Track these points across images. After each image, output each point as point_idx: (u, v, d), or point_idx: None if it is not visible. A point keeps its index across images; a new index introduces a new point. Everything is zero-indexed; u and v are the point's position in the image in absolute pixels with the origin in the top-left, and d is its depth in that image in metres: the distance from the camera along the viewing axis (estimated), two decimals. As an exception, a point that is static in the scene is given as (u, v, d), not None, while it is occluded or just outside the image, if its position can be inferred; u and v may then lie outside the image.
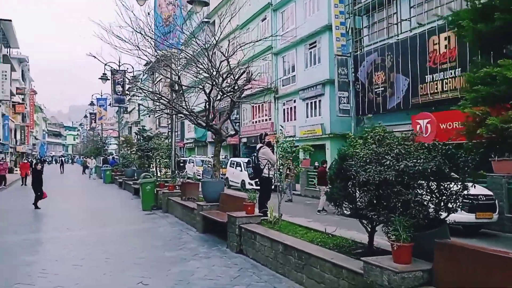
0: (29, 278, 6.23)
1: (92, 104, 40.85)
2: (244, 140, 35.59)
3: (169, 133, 18.63)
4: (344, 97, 21.27)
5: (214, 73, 9.56)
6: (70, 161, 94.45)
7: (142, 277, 6.13)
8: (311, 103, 26.01)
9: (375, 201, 4.59)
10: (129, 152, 26.53)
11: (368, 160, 4.57)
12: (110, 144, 67.51)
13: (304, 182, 20.57)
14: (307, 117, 26.37)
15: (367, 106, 20.08)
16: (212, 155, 37.55)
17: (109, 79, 27.09)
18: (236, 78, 9.92)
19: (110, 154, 45.86)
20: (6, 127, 40.36)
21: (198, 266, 6.77)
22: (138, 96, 12.28)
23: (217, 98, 10.62)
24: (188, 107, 10.60)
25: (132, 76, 12.53)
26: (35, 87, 70.75)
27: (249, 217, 7.66)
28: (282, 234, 6.72)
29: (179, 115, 12.28)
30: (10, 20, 39.94)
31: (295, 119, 28.00)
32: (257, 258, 6.86)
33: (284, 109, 29.47)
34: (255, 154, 8.97)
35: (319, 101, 25.10)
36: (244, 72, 10.41)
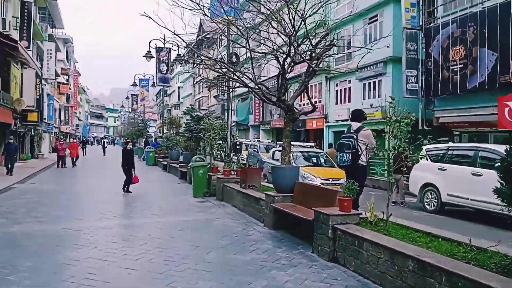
0: (73, 286, 4.83)
1: (134, 84, 40.11)
2: (290, 123, 33.77)
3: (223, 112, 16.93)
4: (412, 76, 18.98)
5: (292, 33, 7.80)
6: (111, 142, 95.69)
7: (218, 294, 4.60)
8: (369, 83, 23.77)
9: None
10: (174, 133, 25.37)
11: None
12: (150, 126, 67.46)
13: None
14: (364, 99, 24.17)
15: (440, 86, 17.73)
16: (255, 138, 35.99)
17: (153, 57, 25.85)
18: (316, 42, 8.12)
19: (149, 136, 45.21)
20: (51, 107, 40.41)
21: (286, 279, 5.15)
22: (197, 64, 10.58)
23: (289, 69, 8.86)
24: (255, 78, 8.92)
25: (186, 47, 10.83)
26: (78, 69, 71.62)
27: (345, 215, 5.95)
28: (400, 241, 4.99)
29: (236, 89, 10.58)
30: (56, 0, 39.60)
31: (349, 101, 25.85)
32: (365, 272, 5.15)
33: (337, 91, 27.35)
34: (354, 136, 7.11)
35: (379, 81, 22.84)
36: (327, 34, 8.57)
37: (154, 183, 17.21)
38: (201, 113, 20.33)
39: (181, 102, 78.49)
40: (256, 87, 9.05)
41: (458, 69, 16.73)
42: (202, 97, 61.37)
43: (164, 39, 26.68)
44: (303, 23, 8.21)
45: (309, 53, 8.41)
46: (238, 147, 12.66)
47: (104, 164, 28.65)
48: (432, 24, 18.34)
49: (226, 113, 13.11)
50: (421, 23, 18.90)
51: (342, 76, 25.92)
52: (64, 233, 7.68)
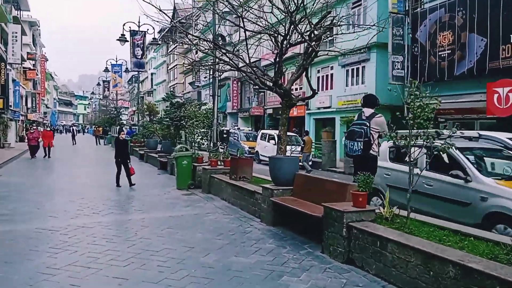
0: (53, 304, 4.07)
1: (106, 70, 38.37)
2: (270, 111, 33.16)
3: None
4: (398, 62, 18.66)
5: (295, 11, 7.09)
6: (81, 131, 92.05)
7: (228, 310, 3.93)
8: (353, 69, 23.36)
9: None
10: (150, 121, 24.29)
11: None
12: (122, 114, 65.35)
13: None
14: (347, 85, 23.79)
15: (427, 72, 17.44)
16: (234, 126, 35.13)
17: (127, 41, 24.56)
18: (317, 21, 7.46)
19: (121, 124, 43.57)
20: (17, 94, 38.25)
21: (301, 287, 4.54)
22: (182, 44, 9.42)
23: (285, 51, 8.16)
24: (250, 60, 8.17)
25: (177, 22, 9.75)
26: (45, 53, 68.44)
27: (360, 211, 5.36)
28: (434, 243, 4.42)
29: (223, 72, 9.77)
30: (20, -21, 37.29)
31: (331, 88, 25.43)
32: (390, 277, 4.58)
33: (318, 77, 26.82)
34: (367, 123, 6.52)
35: (363, 67, 22.44)
36: (328, 13, 7.89)
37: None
38: (181, 99, 19.34)
39: (154, 89, 76.53)
40: (249, 70, 8.31)
41: (446, 55, 16.46)
42: (176, 83, 59.89)
43: (139, 22, 25.47)
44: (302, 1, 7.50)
45: (308, 33, 7.74)
46: (225, 135, 11.91)
47: (76, 155, 27.26)
48: (419, 9, 17.97)
49: (212, 99, 12.32)
50: (407, 8, 18.51)
51: (324, 62, 25.36)
52: (37, 234, 6.80)
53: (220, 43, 10.84)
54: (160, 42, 22.46)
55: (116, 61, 39.60)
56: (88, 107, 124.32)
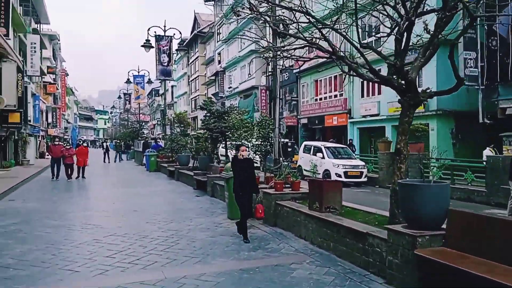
0: None
1: (128, 81, 36.50)
2: (304, 121, 30.56)
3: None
4: (471, 59, 15.89)
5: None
6: (100, 146, 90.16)
7: None
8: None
9: None
10: (180, 133, 21.96)
11: None
12: (143, 128, 63.60)
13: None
14: (399, 89, 21.05)
15: (510, 69, 14.66)
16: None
17: (153, 47, 22.50)
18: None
19: (145, 137, 41.51)
20: (37, 108, 36.64)
21: None
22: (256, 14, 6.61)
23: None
24: (360, 40, 5.76)
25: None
26: (66, 68, 67.59)
27: None
28: None
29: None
30: (39, -11, 36.04)
31: (379, 94, 22.69)
32: None
33: (362, 82, 24.13)
34: None
35: (420, 68, 19.72)
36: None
37: (165, 197, 13.81)
38: (221, 107, 16.95)
39: (175, 101, 74.81)
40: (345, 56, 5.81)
41: (539, 47, 13.68)
42: (198, 95, 57.89)
43: (165, 26, 23.39)
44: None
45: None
46: (289, 149, 9.37)
47: (104, 173, 25.07)
48: (497, -5, 15.25)
49: (273, 102, 9.89)
50: (480, -5, 15.82)
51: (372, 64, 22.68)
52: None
53: (280, 32, 8.34)
54: (186, 48, 20.27)
55: (138, 72, 37.74)
56: (108, 122, 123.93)
